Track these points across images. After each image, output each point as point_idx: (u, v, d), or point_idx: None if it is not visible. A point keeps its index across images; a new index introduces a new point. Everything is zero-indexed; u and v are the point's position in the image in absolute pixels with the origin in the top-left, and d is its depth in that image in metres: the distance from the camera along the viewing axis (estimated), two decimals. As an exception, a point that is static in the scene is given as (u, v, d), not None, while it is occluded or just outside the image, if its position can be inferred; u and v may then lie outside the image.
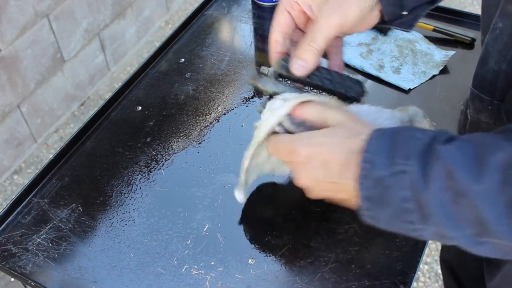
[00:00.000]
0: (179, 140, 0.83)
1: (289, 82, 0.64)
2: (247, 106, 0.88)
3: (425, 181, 0.47)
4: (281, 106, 0.59)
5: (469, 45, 0.97)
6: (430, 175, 0.46)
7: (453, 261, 1.12)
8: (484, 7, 0.63)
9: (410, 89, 0.90)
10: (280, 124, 0.60)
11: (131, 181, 0.78)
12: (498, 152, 0.44)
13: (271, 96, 0.63)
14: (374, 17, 0.63)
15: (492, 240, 0.46)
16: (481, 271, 0.85)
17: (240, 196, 0.69)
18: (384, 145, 0.50)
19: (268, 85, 0.63)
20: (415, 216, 0.49)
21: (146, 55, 2.28)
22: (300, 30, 0.65)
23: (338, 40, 0.66)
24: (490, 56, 0.61)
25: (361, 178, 0.51)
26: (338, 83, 0.62)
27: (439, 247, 1.72)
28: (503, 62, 0.60)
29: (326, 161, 0.55)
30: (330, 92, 0.63)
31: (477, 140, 0.47)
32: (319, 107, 0.59)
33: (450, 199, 0.46)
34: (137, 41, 2.41)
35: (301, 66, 0.60)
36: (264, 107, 0.62)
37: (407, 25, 0.65)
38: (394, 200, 0.49)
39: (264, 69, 0.91)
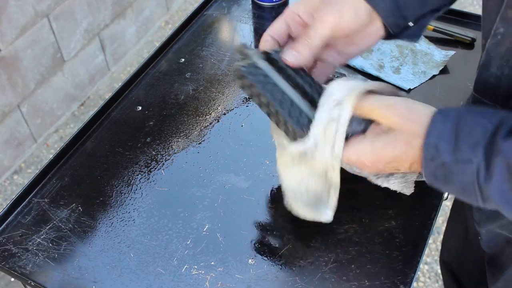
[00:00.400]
0: (179, 140, 0.83)
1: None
2: (247, 106, 0.88)
3: (488, 174, 0.50)
4: (340, 113, 0.57)
5: (469, 45, 0.97)
6: (492, 168, 0.49)
7: (453, 263, 1.12)
8: (484, 12, 0.63)
9: (410, 89, 0.90)
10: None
11: (131, 181, 0.78)
12: None
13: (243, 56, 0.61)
14: (377, 30, 0.63)
15: None
16: (482, 273, 0.85)
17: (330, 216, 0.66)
18: (448, 130, 0.52)
19: (254, 56, 0.61)
20: (477, 196, 0.52)
21: (146, 55, 2.28)
22: (292, 39, 0.66)
23: (329, 67, 0.68)
24: (492, 62, 0.61)
25: (425, 160, 0.53)
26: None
27: (439, 247, 1.72)
28: (506, 67, 0.60)
29: (395, 167, 0.58)
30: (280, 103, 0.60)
31: None
32: (382, 105, 0.57)
33: (510, 188, 0.49)
34: (137, 41, 2.41)
35: (293, 55, 0.61)
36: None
37: (414, 36, 0.67)
38: (458, 181, 0.52)
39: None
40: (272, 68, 0.61)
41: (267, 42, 0.64)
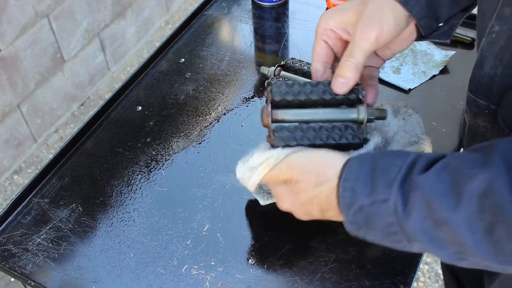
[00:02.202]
0: (179, 140, 0.83)
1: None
2: (247, 106, 0.88)
3: (406, 212, 0.49)
4: (251, 175, 0.62)
5: (469, 45, 0.97)
6: (410, 205, 0.49)
7: None
8: (479, 11, 0.63)
9: (410, 89, 0.90)
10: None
11: (131, 181, 0.78)
12: (473, 180, 0.46)
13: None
14: (411, 33, 0.63)
15: (473, 259, 0.48)
16: (482, 274, 0.85)
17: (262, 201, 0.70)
18: (363, 172, 0.52)
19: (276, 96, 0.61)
20: (401, 237, 0.51)
21: (146, 55, 2.28)
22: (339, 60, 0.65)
23: (375, 70, 0.67)
24: (486, 61, 0.61)
25: (343, 207, 0.53)
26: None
27: (439, 247, 1.72)
28: (499, 67, 0.60)
29: (307, 212, 0.59)
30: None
31: (453, 167, 0.48)
32: (272, 174, 0.59)
33: (431, 225, 0.48)
34: (137, 41, 2.41)
35: (341, 83, 0.59)
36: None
37: (445, 36, 0.66)
38: (379, 225, 0.51)
39: (264, 69, 0.92)
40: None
41: (319, 72, 0.63)
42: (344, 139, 0.59)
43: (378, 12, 0.59)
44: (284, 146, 0.59)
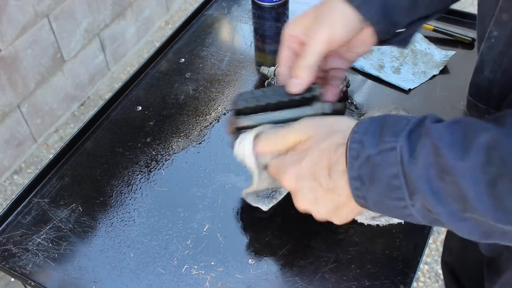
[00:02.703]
0: (179, 140, 0.83)
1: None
2: (247, 106, 0.88)
3: (413, 157, 0.48)
4: (243, 148, 0.63)
5: (469, 45, 0.97)
6: (417, 150, 0.48)
7: (455, 264, 1.12)
8: (479, 16, 0.63)
9: (410, 89, 0.90)
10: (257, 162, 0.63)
11: (131, 181, 0.78)
12: (484, 133, 0.46)
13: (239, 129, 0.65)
14: (369, 37, 0.64)
15: (475, 217, 0.47)
16: (483, 276, 0.85)
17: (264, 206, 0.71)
18: (373, 126, 0.52)
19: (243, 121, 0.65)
20: (404, 192, 0.50)
21: (146, 55, 2.28)
22: None
23: (341, 71, 0.69)
24: (485, 65, 0.61)
25: (350, 159, 0.52)
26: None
27: (440, 248, 1.71)
28: (498, 71, 0.60)
29: (314, 173, 0.57)
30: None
31: (466, 122, 0.48)
32: (270, 135, 0.60)
33: (435, 174, 0.47)
34: (137, 41, 2.41)
35: (294, 83, 0.63)
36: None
37: (403, 42, 0.68)
38: (383, 177, 0.50)
39: (264, 69, 0.92)
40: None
41: (284, 76, 0.66)
42: None
43: (329, 14, 0.62)
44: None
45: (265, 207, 0.70)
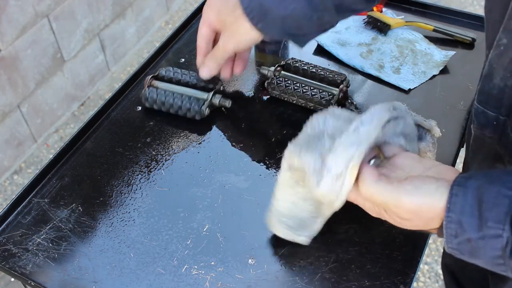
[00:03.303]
0: (179, 140, 0.83)
1: None
2: (247, 106, 0.88)
3: None
4: (342, 187, 0.55)
5: (469, 45, 0.97)
6: None
7: (455, 267, 1.11)
8: (487, 23, 0.63)
9: (410, 89, 0.90)
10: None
11: (131, 181, 0.78)
12: None
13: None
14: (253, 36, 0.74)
15: None
16: (485, 279, 0.84)
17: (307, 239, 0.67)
18: (469, 204, 0.49)
19: None
20: (506, 268, 0.50)
21: (146, 55, 2.28)
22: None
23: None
24: (494, 73, 0.61)
25: (448, 236, 0.51)
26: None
27: (440, 248, 1.71)
28: (509, 78, 0.59)
29: (414, 226, 0.56)
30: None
31: None
32: (374, 197, 0.56)
33: None
34: (137, 41, 2.41)
35: (205, 72, 0.81)
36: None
37: (301, 44, 0.77)
38: (485, 256, 0.50)
39: (264, 69, 0.92)
40: None
41: (198, 63, 0.83)
42: (188, 106, 0.84)
43: (236, 32, 0.74)
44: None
45: (305, 240, 0.67)
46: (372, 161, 0.59)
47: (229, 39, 0.75)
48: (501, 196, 0.48)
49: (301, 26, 0.72)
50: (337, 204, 0.57)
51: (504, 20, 0.57)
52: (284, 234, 0.67)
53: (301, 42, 0.77)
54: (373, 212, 0.58)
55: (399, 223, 0.57)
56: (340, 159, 0.55)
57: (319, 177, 0.56)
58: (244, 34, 0.73)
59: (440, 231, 0.54)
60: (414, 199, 0.53)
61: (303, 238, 0.67)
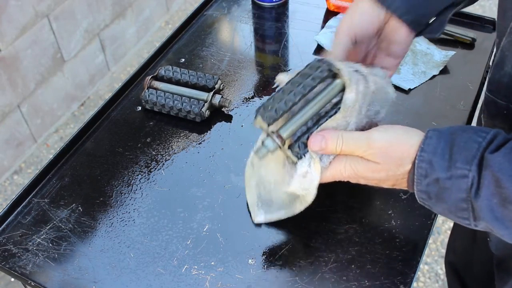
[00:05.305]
0: (179, 140, 0.83)
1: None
2: (247, 106, 0.88)
3: (478, 188, 0.50)
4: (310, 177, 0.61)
5: (469, 45, 0.97)
6: (481, 181, 0.50)
7: (459, 264, 1.11)
8: (500, 9, 0.63)
9: (410, 89, 0.90)
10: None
11: (131, 181, 0.78)
12: None
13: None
14: (399, 29, 0.65)
15: None
16: (489, 275, 0.84)
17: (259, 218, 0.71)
18: (441, 146, 0.53)
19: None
20: (469, 214, 0.52)
21: (146, 55, 2.28)
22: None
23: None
24: (506, 60, 0.60)
25: (418, 176, 0.54)
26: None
27: (440, 248, 1.72)
28: None
29: (376, 184, 0.60)
30: None
31: None
32: (349, 140, 0.59)
33: (498, 203, 0.49)
34: (137, 41, 2.41)
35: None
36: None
37: (435, 31, 0.68)
38: (451, 199, 0.52)
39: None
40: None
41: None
42: (188, 108, 0.83)
43: (350, 8, 0.65)
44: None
45: (261, 218, 0.71)
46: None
47: (342, 20, 0.66)
48: (472, 141, 0.51)
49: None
50: (310, 198, 0.63)
51: None
52: (252, 201, 0.71)
53: (434, 30, 0.68)
54: (352, 177, 0.60)
55: (373, 177, 0.58)
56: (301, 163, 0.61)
57: (290, 177, 0.63)
58: (358, 8, 0.65)
59: (410, 180, 0.56)
60: (385, 136, 0.57)
61: (261, 217, 0.70)
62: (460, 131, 0.53)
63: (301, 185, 0.62)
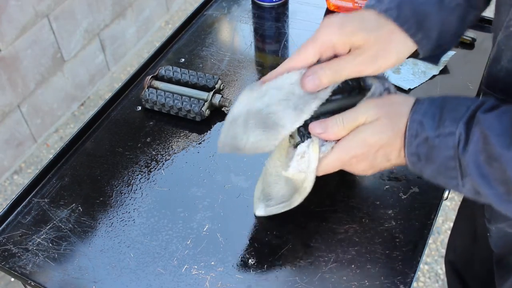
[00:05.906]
0: (179, 140, 0.83)
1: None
2: (247, 106, 0.88)
3: (465, 143, 0.52)
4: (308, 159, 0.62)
5: (469, 45, 0.97)
6: (469, 138, 0.52)
7: (459, 263, 1.11)
8: (496, 5, 0.63)
9: (410, 89, 0.90)
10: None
11: (131, 181, 0.78)
12: None
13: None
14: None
15: None
16: (489, 274, 0.84)
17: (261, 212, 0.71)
18: (432, 108, 0.55)
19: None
20: (457, 172, 0.54)
21: (146, 55, 2.28)
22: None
23: None
24: (503, 55, 0.60)
25: (409, 137, 0.56)
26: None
27: (439, 248, 1.72)
28: None
29: (385, 155, 0.60)
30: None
31: None
32: (339, 121, 0.60)
33: (484, 160, 0.52)
34: (137, 41, 2.41)
35: (314, 84, 0.59)
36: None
37: (436, 60, 0.68)
38: (439, 158, 0.55)
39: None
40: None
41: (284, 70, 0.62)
42: (188, 107, 0.83)
43: (385, 43, 0.58)
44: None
45: (261, 211, 0.71)
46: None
47: (368, 59, 0.58)
48: (461, 105, 0.55)
49: (453, 32, 0.63)
50: (308, 185, 0.63)
51: None
52: (256, 194, 0.71)
53: (437, 57, 0.67)
54: (359, 154, 0.60)
55: (380, 139, 0.58)
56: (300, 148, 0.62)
57: (289, 160, 0.64)
58: (398, 49, 0.59)
59: (403, 145, 0.57)
60: (381, 100, 0.60)
61: (261, 210, 0.70)
62: (451, 98, 0.56)
63: (298, 166, 0.62)
